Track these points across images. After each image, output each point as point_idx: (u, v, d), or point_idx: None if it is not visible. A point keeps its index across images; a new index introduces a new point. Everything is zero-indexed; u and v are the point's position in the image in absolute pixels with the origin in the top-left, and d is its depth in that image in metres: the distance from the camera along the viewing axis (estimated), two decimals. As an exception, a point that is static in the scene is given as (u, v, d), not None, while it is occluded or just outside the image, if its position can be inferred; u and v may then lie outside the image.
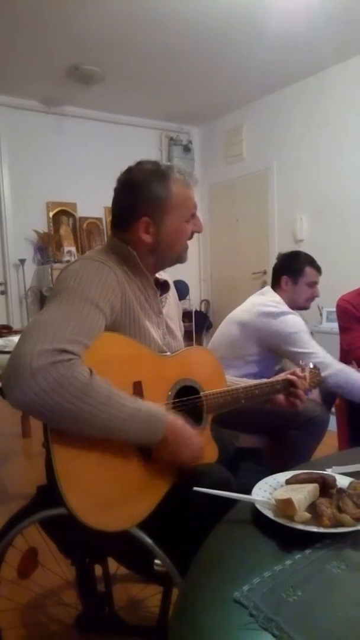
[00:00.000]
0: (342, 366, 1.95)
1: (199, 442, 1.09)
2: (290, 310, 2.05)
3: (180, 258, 1.28)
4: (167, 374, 1.16)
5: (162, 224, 1.20)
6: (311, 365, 1.55)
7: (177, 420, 1.05)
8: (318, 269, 2.15)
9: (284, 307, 2.05)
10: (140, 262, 1.20)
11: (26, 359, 0.89)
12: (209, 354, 1.33)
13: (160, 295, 1.30)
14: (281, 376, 1.48)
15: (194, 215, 1.26)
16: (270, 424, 1.78)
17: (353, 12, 3.46)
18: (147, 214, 1.19)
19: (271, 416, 1.71)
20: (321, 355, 1.93)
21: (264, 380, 1.43)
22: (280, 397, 1.44)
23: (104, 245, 1.25)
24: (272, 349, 2.03)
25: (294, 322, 2.00)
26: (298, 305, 2.14)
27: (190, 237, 1.27)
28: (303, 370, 1.50)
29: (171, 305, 1.37)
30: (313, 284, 2.13)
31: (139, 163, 1.24)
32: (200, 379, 1.23)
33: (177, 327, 1.37)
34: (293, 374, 1.46)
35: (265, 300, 2.09)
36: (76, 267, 1.11)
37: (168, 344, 1.26)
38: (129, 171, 1.24)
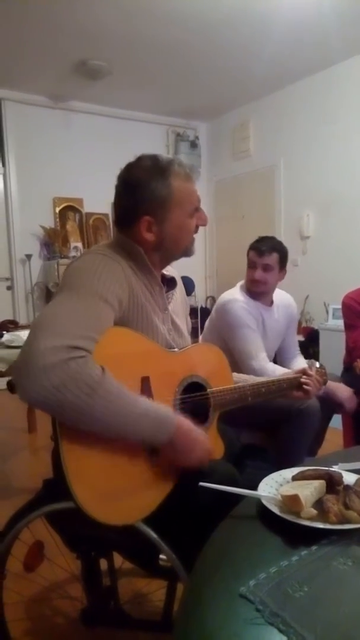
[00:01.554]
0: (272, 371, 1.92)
1: (207, 445, 1.09)
2: (238, 301, 2.00)
3: (187, 252, 1.26)
4: (175, 370, 1.16)
5: (165, 221, 1.18)
6: (317, 364, 1.55)
7: (185, 423, 1.05)
8: (255, 249, 2.05)
9: (230, 297, 2.02)
10: (147, 258, 1.19)
11: (38, 356, 0.89)
12: (217, 351, 1.33)
13: (167, 291, 1.29)
14: (289, 374, 1.48)
15: (197, 209, 1.24)
16: (267, 420, 1.78)
17: (362, 7, 3.43)
18: (148, 213, 1.17)
19: (266, 412, 1.71)
20: (254, 359, 1.91)
21: (272, 378, 1.43)
22: (292, 392, 1.46)
23: (110, 240, 1.24)
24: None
25: (234, 315, 1.97)
26: (249, 291, 2.08)
27: (196, 231, 1.26)
28: (311, 369, 1.50)
29: (178, 301, 1.36)
30: (251, 264, 2.05)
31: (139, 159, 1.22)
32: (207, 375, 1.23)
33: (184, 324, 1.36)
34: (304, 373, 1.47)
35: (223, 293, 2.09)
36: (83, 261, 1.11)
37: (174, 340, 1.26)
38: (129, 169, 1.21)
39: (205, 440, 1.09)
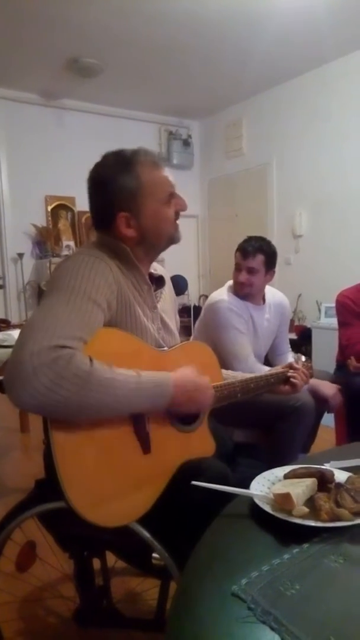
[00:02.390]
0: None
1: (207, 385, 1.12)
2: (225, 302, 1.98)
3: (171, 240, 1.24)
4: (165, 369, 1.15)
5: (141, 214, 1.16)
6: (303, 358, 1.56)
7: (180, 376, 1.07)
8: (241, 250, 2.02)
9: (219, 297, 2.01)
10: (133, 255, 1.18)
11: (26, 360, 0.88)
12: (206, 349, 1.33)
13: (155, 290, 1.28)
14: (277, 369, 1.49)
15: (173, 195, 1.20)
16: (259, 418, 1.79)
17: (354, 6, 3.44)
18: (123, 209, 1.16)
19: (260, 410, 1.72)
20: (242, 361, 1.91)
21: (259, 373, 1.43)
22: (280, 387, 1.46)
23: (95, 241, 1.22)
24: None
25: (221, 316, 1.96)
26: (237, 293, 2.06)
27: (177, 217, 1.23)
28: (297, 362, 1.51)
29: (167, 300, 1.36)
30: (237, 266, 2.03)
31: (104, 157, 1.20)
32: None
33: (173, 322, 1.36)
34: (290, 367, 1.48)
35: (213, 293, 2.09)
36: (72, 262, 1.10)
37: (163, 339, 1.25)
38: (95, 168, 1.20)
39: (204, 384, 1.11)
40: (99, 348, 1.00)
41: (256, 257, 2.00)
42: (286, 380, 1.46)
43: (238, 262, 2.03)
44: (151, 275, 1.29)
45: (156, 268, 1.33)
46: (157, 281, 1.32)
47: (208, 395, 1.13)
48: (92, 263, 1.09)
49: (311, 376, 1.58)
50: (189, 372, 1.10)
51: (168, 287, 1.38)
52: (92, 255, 1.11)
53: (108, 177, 1.16)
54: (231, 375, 1.43)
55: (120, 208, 1.16)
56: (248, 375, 1.41)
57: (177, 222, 1.24)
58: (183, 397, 1.06)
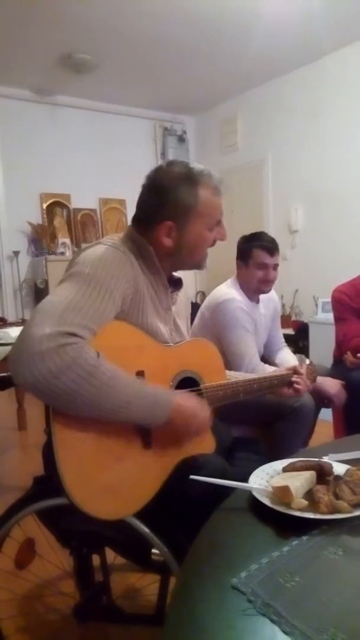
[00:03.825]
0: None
1: (205, 415, 1.11)
2: (235, 300, 1.97)
3: (198, 265, 1.27)
4: (170, 365, 1.16)
5: (185, 229, 1.18)
6: (307, 361, 1.56)
7: (182, 402, 1.06)
8: (267, 249, 2.02)
9: (228, 296, 1.99)
10: (157, 260, 1.19)
11: (34, 342, 0.89)
12: (211, 347, 1.32)
13: (172, 292, 1.29)
14: (280, 371, 1.49)
15: (219, 223, 1.24)
16: (258, 417, 1.79)
17: (348, -1, 3.43)
18: (170, 219, 1.17)
19: (259, 409, 1.72)
20: (247, 361, 1.90)
21: (263, 374, 1.43)
22: (283, 390, 1.46)
23: (124, 233, 1.22)
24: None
25: (231, 315, 1.94)
26: (252, 289, 2.06)
27: (212, 244, 1.26)
28: (301, 366, 1.50)
29: (181, 303, 1.37)
30: (262, 266, 2.01)
31: (170, 164, 1.22)
32: (201, 371, 1.23)
33: (185, 326, 1.37)
34: (295, 371, 1.48)
35: (217, 291, 2.07)
36: (95, 251, 1.10)
37: (173, 341, 1.26)
38: (158, 171, 1.21)
39: (202, 412, 1.10)
40: (106, 339, 1.00)
41: (278, 253, 2.05)
42: (289, 383, 1.46)
43: (264, 261, 2.01)
44: (170, 277, 1.30)
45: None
46: (175, 283, 1.33)
47: (204, 425, 1.11)
48: (118, 257, 1.10)
49: (314, 380, 1.58)
50: (191, 398, 1.10)
51: (183, 292, 1.39)
52: (116, 248, 1.12)
53: (170, 185, 1.17)
54: (234, 376, 1.43)
55: (168, 217, 1.17)
56: (251, 376, 1.41)
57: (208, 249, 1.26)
58: (180, 419, 1.05)
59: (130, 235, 1.21)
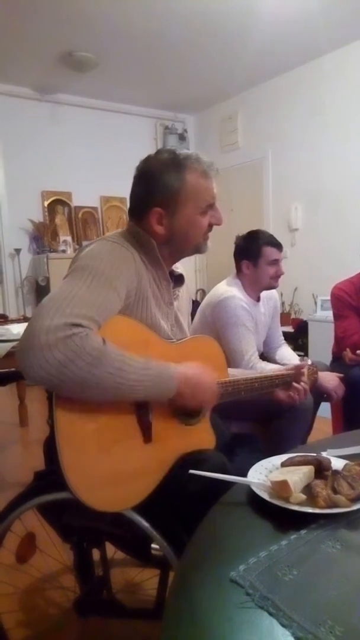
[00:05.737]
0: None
1: (212, 381, 1.13)
2: (236, 298, 1.98)
3: (198, 249, 1.26)
4: (173, 360, 1.16)
5: (176, 215, 1.18)
6: (309, 362, 1.56)
7: (188, 370, 1.08)
8: (277, 246, 2.06)
9: (229, 294, 2.00)
10: (158, 252, 1.19)
11: (41, 334, 0.90)
12: (214, 344, 1.33)
13: (174, 287, 1.29)
14: (283, 371, 1.49)
15: (212, 206, 1.22)
16: (257, 413, 1.80)
17: (349, -3, 3.43)
18: (159, 205, 1.17)
19: (258, 405, 1.72)
20: (246, 359, 1.91)
21: (265, 373, 1.44)
22: (279, 393, 1.47)
23: (125, 229, 1.23)
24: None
25: (232, 312, 1.95)
26: (264, 286, 2.08)
27: (210, 230, 1.25)
28: (302, 367, 1.51)
29: (183, 299, 1.37)
30: (274, 262, 2.04)
31: (157, 152, 1.22)
32: None
33: (186, 322, 1.37)
34: (297, 378, 1.48)
35: (218, 288, 2.08)
36: (97, 246, 1.11)
37: (175, 336, 1.26)
38: (146, 160, 1.22)
39: (209, 381, 1.12)
40: (110, 334, 1.01)
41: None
42: (289, 385, 1.47)
43: (275, 256, 2.04)
44: (171, 273, 1.30)
45: (177, 267, 1.34)
46: (177, 279, 1.33)
47: (212, 391, 1.13)
48: (118, 250, 1.11)
49: (316, 381, 1.58)
50: (194, 366, 1.10)
51: (185, 288, 1.39)
52: (118, 243, 1.13)
53: (155, 171, 1.18)
54: (232, 374, 1.44)
55: (156, 203, 1.17)
56: (253, 375, 1.41)
57: (209, 234, 1.25)
58: (187, 389, 1.06)
59: (130, 229, 1.21)
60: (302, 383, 1.48)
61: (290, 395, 1.47)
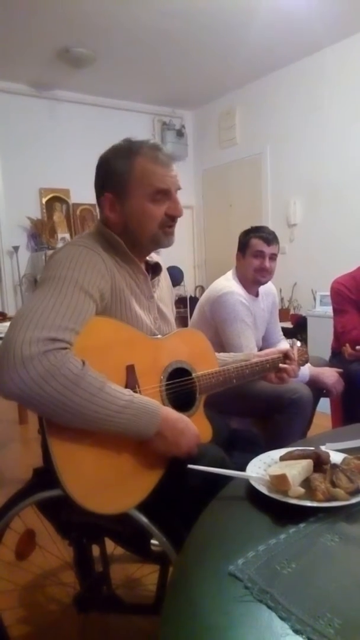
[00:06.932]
0: None
1: (195, 435, 1.08)
2: (235, 294, 1.97)
3: (156, 242, 1.20)
4: (159, 357, 1.16)
5: (126, 202, 1.16)
6: (299, 344, 1.57)
7: (172, 415, 1.05)
8: (265, 239, 2.03)
9: (228, 289, 1.99)
10: (127, 248, 1.17)
11: (17, 348, 0.88)
12: (200, 335, 1.33)
13: (152, 278, 1.28)
14: (273, 352, 1.50)
15: (167, 195, 1.17)
16: (257, 409, 1.80)
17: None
18: (109, 190, 1.16)
19: (257, 401, 1.73)
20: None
21: (255, 359, 1.44)
22: (270, 376, 1.48)
23: (91, 231, 1.22)
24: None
25: (231, 308, 1.95)
26: (249, 279, 2.06)
27: (171, 221, 1.19)
28: (292, 347, 1.52)
29: (163, 288, 1.36)
30: (258, 254, 2.02)
31: (118, 142, 1.21)
32: (191, 360, 1.23)
33: (170, 311, 1.36)
34: (286, 356, 1.49)
35: (217, 284, 2.07)
36: (64, 252, 1.09)
37: (159, 329, 1.26)
38: (106, 150, 1.22)
39: (192, 429, 1.08)
40: (92, 337, 1.00)
41: (276, 244, 2.06)
42: (279, 369, 1.47)
43: (260, 249, 2.02)
44: (147, 263, 1.29)
45: (152, 256, 1.32)
46: (154, 269, 1.32)
47: (193, 442, 1.08)
48: (84, 254, 1.08)
49: (307, 361, 1.59)
50: (179, 414, 1.08)
51: (164, 275, 1.38)
52: (84, 246, 1.11)
53: (109, 158, 1.18)
54: (224, 358, 1.43)
55: (106, 188, 1.17)
56: (242, 360, 1.41)
57: (171, 228, 1.20)
58: (169, 433, 1.03)
59: (98, 229, 1.20)
60: (292, 363, 1.48)
61: (280, 377, 1.47)
